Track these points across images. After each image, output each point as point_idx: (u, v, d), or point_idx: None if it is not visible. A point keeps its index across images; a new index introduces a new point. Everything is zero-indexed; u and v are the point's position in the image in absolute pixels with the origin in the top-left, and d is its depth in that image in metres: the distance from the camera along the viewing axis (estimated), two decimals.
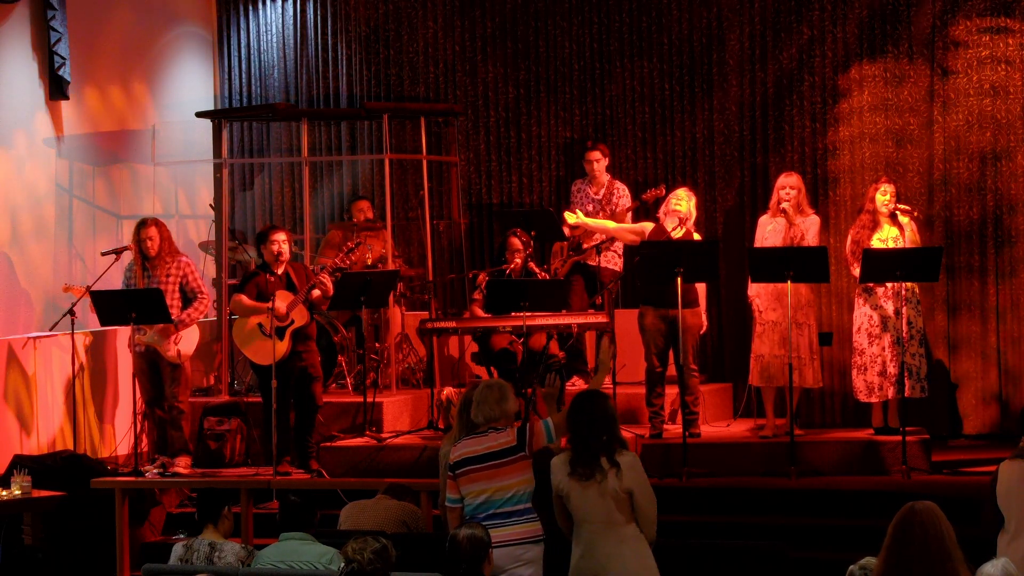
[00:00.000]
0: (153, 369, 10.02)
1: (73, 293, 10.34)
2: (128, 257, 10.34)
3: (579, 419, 6.07)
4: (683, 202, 9.79)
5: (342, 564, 5.29)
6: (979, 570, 4.52)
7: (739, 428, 10.36)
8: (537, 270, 10.46)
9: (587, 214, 10.83)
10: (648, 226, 9.92)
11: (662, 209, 9.92)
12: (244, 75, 13.13)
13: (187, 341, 9.99)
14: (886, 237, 9.61)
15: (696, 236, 9.86)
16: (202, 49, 13.04)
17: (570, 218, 10.41)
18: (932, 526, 4.51)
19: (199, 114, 11.97)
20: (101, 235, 11.54)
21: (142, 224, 10.07)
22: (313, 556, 6.31)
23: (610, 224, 10.30)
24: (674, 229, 9.72)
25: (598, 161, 10.85)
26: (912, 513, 4.55)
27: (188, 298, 9.99)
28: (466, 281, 11.66)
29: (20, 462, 9.52)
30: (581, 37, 12.15)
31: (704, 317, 10.04)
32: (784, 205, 9.67)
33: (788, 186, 9.78)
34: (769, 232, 9.82)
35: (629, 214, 10.73)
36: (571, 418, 6.14)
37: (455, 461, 6.45)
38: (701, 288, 9.99)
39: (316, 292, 9.79)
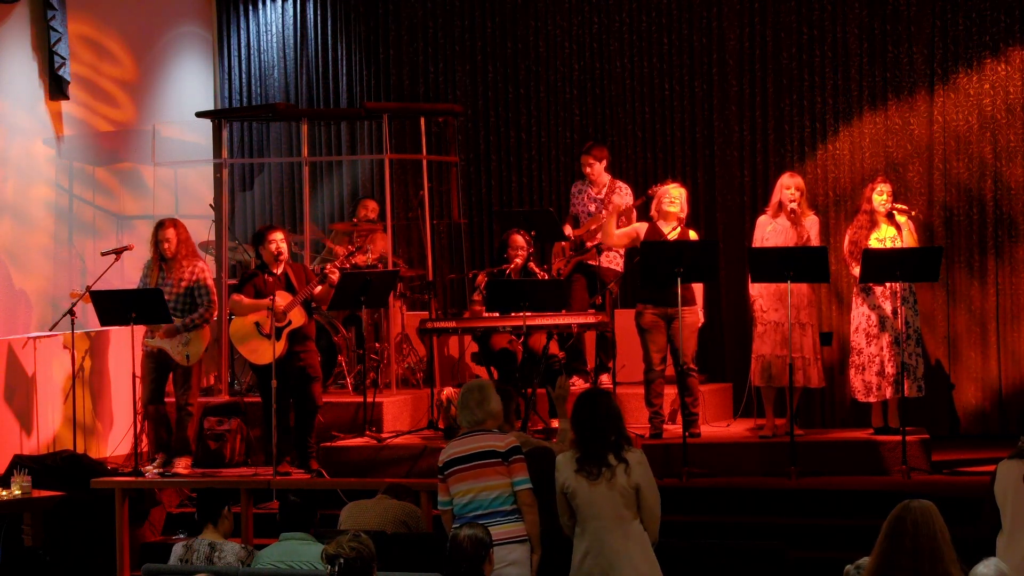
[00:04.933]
0: (162, 369, 10.02)
1: (84, 300, 10.24)
2: (139, 256, 10.31)
3: (584, 418, 6.11)
4: (676, 203, 9.79)
5: (328, 567, 5.30)
6: (972, 571, 4.51)
7: (739, 428, 10.35)
8: (537, 270, 10.45)
9: (589, 214, 10.85)
10: (641, 227, 9.91)
11: (654, 207, 9.91)
12: (244, 75, 13.14)
13: (195, 344, 9.97)
14: (884, 237, 9.60)
15: (692, 234, 9.85)
16: (202, 49, 13.04)
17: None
18: (924, 525, 4.51)
19: (199, 114, 11.97)
20: (101, 235, 11.54)
21: (160, 225, 10.06)
22: (313, 556, 6.30)
23: (607, 231, 10.13)
24: (671, 232, 9.73)
25: (592, 166, 10.82)
26: (906, 511, 4.55)
27: (196, 303, 9.96)
28: (466, 281, 11.66)
29: (20, 462, 9.53)
30: (581, 37, 12.16)
31: (701, 313, 10.00)
32: (792, 206, 9.66)
33: (794, 186, 9.76)
34: (769, 232, 9.80)
35: (633, 212, 10.72)
36: (576, 417, 6.18)
37: (443, 463, 6.52)
38: (698, 286, 9.97)
39: (319, 289, 9.77)
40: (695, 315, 9.80)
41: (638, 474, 6.04)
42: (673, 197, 9.80)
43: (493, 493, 6.32)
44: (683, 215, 9.85)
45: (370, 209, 11.84)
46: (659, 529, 6.15)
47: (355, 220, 11.72)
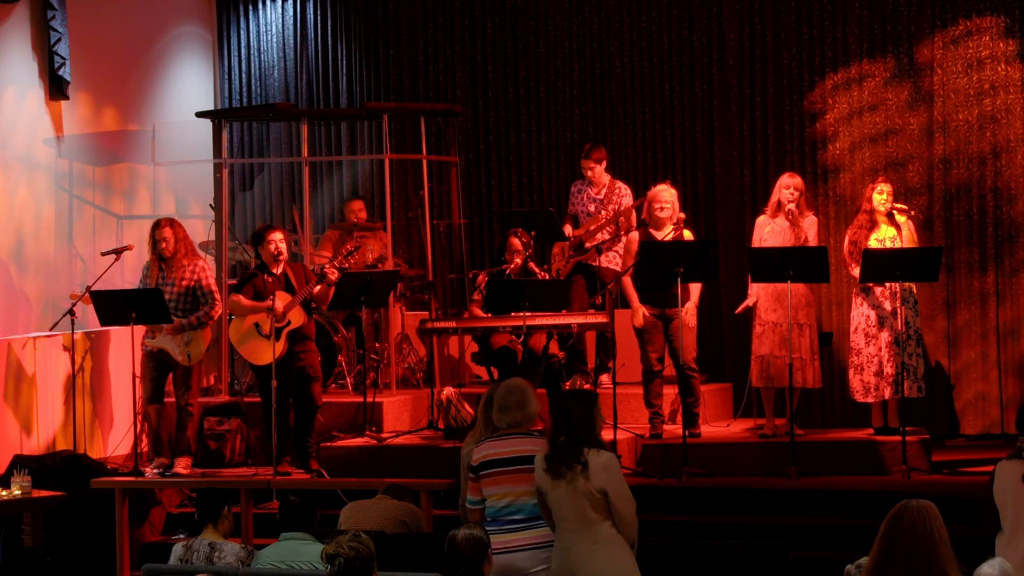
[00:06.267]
0: (162, 369, 10.01)
1: (84, 301, 10.23)
2: (139, 256, 10.30)
3: (557, 418, 6.06)
4: (668, 207, 9.78)
5: (327, 567, 5.30)
6: (976, 571, 4.51)
7: (739, 428, 10.35)
8: (537, 270, 10.45)
9: (588, 214, 10.84)
10: (632, 239, 9.90)
11: (645, 211, 9.91)
12: (244, 75, 13.14)
13: (197, 344, 9.96)
14: (883, 237, 9.60)
15: (687, 233, 9.84)
16: (202, 49, 13.04)
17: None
18: (922, 524, 4.50)
19: (199, 114, 11.97)
20: (101, 235, 11.54)
21: (156, 225, 10.05)
22: (313, 556, 6.30)
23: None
24: (666, 236, 9.72)
25: (592, 169, 10.83)
26: (904, 510, 4.55)
27: (199, 301, 9.95)
28: (466, 281, 11.66)
29: (20, 462, 9.52)
30: (581, 37, 12.15)
31: (694, 312, 9.95)
32: (791, 207, 9.66)
33: (793, 187, 9.75)
34: (767, 233, 9.80)
35: (632, 212, 10.72)
36: (551, 415, 6.14)
37: (479, 463, 6.38)
38: (695, 287, 9.95)
39: (318, 288, 9.77)
40: (691, 314, 9.78)
41: (602, 480, 5.88)
42: (664, 201, 9.79)
43: (534, 498, 6.20)
44: (679, 217, 9.82)
45: (357, 210, 11.84)
46: (636, 532, 5.99)
47: (345, 224, 11.73)
